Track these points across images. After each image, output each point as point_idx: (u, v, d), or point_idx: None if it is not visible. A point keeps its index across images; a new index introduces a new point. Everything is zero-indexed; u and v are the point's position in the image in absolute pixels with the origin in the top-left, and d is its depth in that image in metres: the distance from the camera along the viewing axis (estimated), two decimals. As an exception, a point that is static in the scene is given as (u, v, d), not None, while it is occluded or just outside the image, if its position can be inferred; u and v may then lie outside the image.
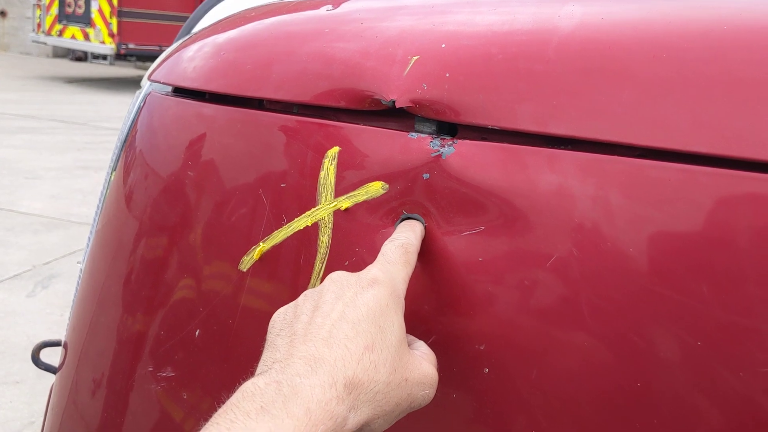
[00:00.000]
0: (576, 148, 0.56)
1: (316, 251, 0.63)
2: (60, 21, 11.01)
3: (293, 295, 0.64)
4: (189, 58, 0.75)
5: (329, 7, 0.70)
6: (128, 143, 0.80)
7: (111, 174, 0.82)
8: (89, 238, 0.85)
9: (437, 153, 0.59)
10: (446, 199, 0.59)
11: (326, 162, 0.63)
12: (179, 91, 0.77)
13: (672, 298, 0.51)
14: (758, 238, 0.50)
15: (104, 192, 0.83)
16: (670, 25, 0.56)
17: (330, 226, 0.63)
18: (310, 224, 0.64)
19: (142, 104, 0.80)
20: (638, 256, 0.53)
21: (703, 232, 0.51)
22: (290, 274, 0.65)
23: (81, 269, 0.85)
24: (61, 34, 11.06)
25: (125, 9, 10.42)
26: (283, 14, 0.73)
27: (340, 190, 0.63)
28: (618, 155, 0.54)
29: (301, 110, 0.67)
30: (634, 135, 0.53)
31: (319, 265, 0.63)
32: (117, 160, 0.82)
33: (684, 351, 0.51)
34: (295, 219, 0.64)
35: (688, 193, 0.52)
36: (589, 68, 0.56)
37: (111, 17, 10.40)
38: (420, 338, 0.59)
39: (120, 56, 11.21)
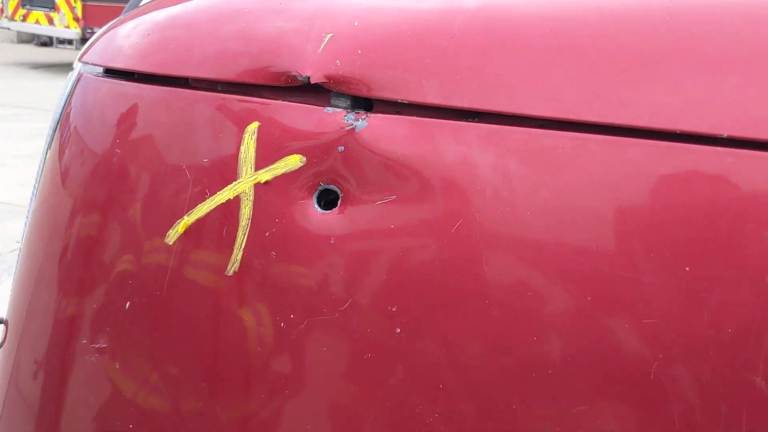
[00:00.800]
0: (479, 120, 0.59)
1: (238, 223, 0.66)
2: (23, 5, 10.81)
3: (217, 267, 0.67)
4: (118, 40, 0.77)
5: (251, -14, 0.72)
6: (61, 123, 0.82)
7: (46, 153, 0.84)
8: (26, 218, 0.86)
9: (351, 126, 0.62)
10: (360, 170, 0.62)
11: (246, 137, 0.66)
12: (110, 72, 0.79)
13: (566, 257, 0.55)
14: (643, 200, 0.53)
15: (40, 171, 0.85)
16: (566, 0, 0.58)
17: (251, 198, 0.65)
18: (231, 197, 0.66)
19: (74, 84, 0.81)
20: (534, 220, 0.56)
21: (593, 196, 0.54)
22: (214, 246, 0.67)
23: (20, 248, 0.86)
24: (24, 18, 10.87)
25: (89, -8, 10.27)
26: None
27: (260, 164, 0.65)
28: (517, 126, 0.57)
29: (224, 88, 0.69)
30: (531, 107, 0.56)
31: (241, 236, 0.66)
32: (51, 140, 0.83)
33: (574, 305, 0.54)
34: (218, 192, 0.67)
35: (579, 159, 0.55)
36: (490, 44, 0.58)
37: (75, 1, 10.23)
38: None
39: (86, 41, 11.03)
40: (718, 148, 0.52)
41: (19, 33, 13.34)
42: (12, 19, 11.00)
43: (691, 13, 0.55)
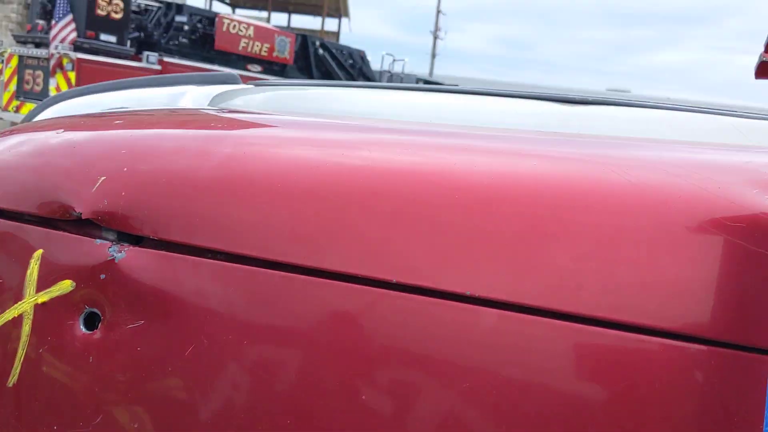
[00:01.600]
0: (214, 257, 0.68)
1: (20, 338, 0.74)
2: (17, 97, 11.15)
3: (2, 379, 0.75)
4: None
5: (60, 130, 0.83)
6: None
7: None
8: None
9: (111, 257, 0.71)
10: (117, 296, 0.70)
11: (32, 262, 0.75)
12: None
13: (262, 365, 0.63)
14: (306, 325, 0.62)
15: None
16: (310, 148, 0.69)
17: (31, 316, 0.74)
18: (17, 315, 0.74)
19: None
20: (247, 339, 0.64)
21: (281, 320, 0.63)
22: (1, 357, 0.75)
23: None
24: (18, 110, 11.18)
25: (83, 87, 10.59)
26: (33, 131, 0.86)
27: (41, 286, 0.74)
28: (240, 264, 0.66)
29: (25, 217, 0.79)
30: (248, 247, 0.66)
31: (21, 351, 0.74)
32: None
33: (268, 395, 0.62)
34: (7, 310, 0.75)
35: (281, 293, 0.64)
36: (224, 194, 0.68)
37: (67, 95, 10.55)
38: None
39: (76, 133, 11.29)
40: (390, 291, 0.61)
41: (12, 123, 13.69)
42: (5, 109, 11.31)
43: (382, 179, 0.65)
